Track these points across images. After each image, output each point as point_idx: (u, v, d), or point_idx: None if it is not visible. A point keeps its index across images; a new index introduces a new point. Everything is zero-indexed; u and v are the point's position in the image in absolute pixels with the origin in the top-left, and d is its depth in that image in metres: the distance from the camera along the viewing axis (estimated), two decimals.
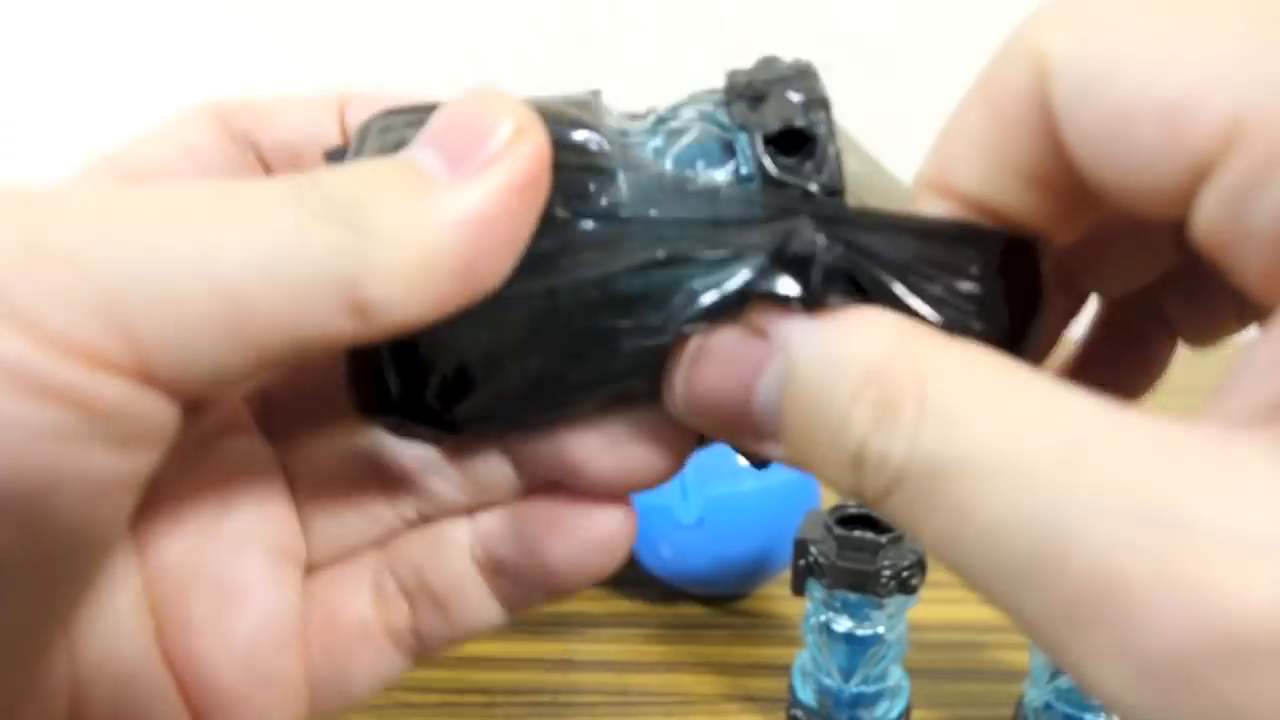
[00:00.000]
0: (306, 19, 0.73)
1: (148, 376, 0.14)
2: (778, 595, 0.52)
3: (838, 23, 0.78)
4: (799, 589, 0.40)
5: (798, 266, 0.17)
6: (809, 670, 0.41)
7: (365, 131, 0.18)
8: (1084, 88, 0.14)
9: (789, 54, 0.20)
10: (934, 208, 0.17)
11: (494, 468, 0.20)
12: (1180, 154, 0.14)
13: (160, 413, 0.14)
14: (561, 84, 0.21)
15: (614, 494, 0.19)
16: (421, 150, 0.16)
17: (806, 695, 0.41)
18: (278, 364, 0.15)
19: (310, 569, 0.20)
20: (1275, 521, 0.12)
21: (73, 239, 0.13)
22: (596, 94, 0.20)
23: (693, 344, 0.17)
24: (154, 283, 0.13)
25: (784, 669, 0.44)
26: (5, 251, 0.13)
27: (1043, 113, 0.15)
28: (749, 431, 0.17)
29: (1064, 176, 0.16)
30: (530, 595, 0.20)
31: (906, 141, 0.31)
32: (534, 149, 0.16)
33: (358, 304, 0.15)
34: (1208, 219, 0.14)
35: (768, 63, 0.20)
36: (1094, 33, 0.14)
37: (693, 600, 0.51)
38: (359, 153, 0.18)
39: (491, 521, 0.20)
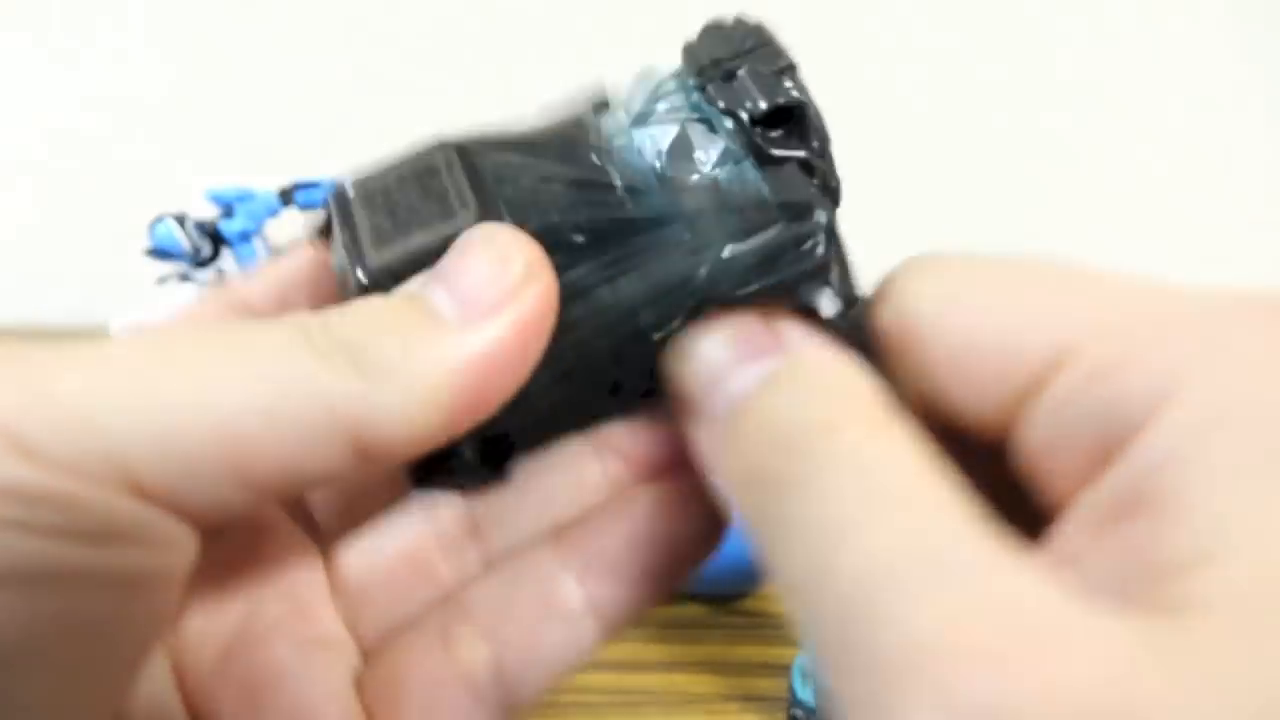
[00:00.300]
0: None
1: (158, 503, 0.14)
2: (778, 595, 0.52)
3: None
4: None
5: (823, 279, 0.18)
6: (809, 670, 0.41)
7: (345, 204, 0.18)
8: (932, 325, 0.16)
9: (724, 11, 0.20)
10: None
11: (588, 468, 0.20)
12: (1012, 375, 0.15)
13: (173, 529, 0.15)
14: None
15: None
16: (433, 288, 0.16)
17: (806, 695, 0.41)
18: (280, 498, 0.15)
19: (377, 649, 0.19)
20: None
21: (75, 383, 0.14)
22: (601, 104, 0.20)
23: (710, 316, 0.17)
24: (152, 425, 0.14)
25: (784, 669, 0.44)
26: (15, 393, 0.14)
27: (896, 341, 0.17)
28: (691, 406, 0.17)
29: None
30: (631, 596, 0.19)
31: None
32: (543, 290, 0.16)
33: (361, 447, 0.15)
34: (1030, 432, 0.15)
35: (720, 32, 0.20)
36: (951, 283, 0.16)
37: (693, 600, 0.51)
38: (346, 227, 0.18)
39: (579, 532, 0.19)
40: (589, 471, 0.20)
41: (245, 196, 0.54)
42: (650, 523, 0.19)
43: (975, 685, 0.11)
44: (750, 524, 0.15)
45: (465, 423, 0.16)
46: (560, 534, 0.19)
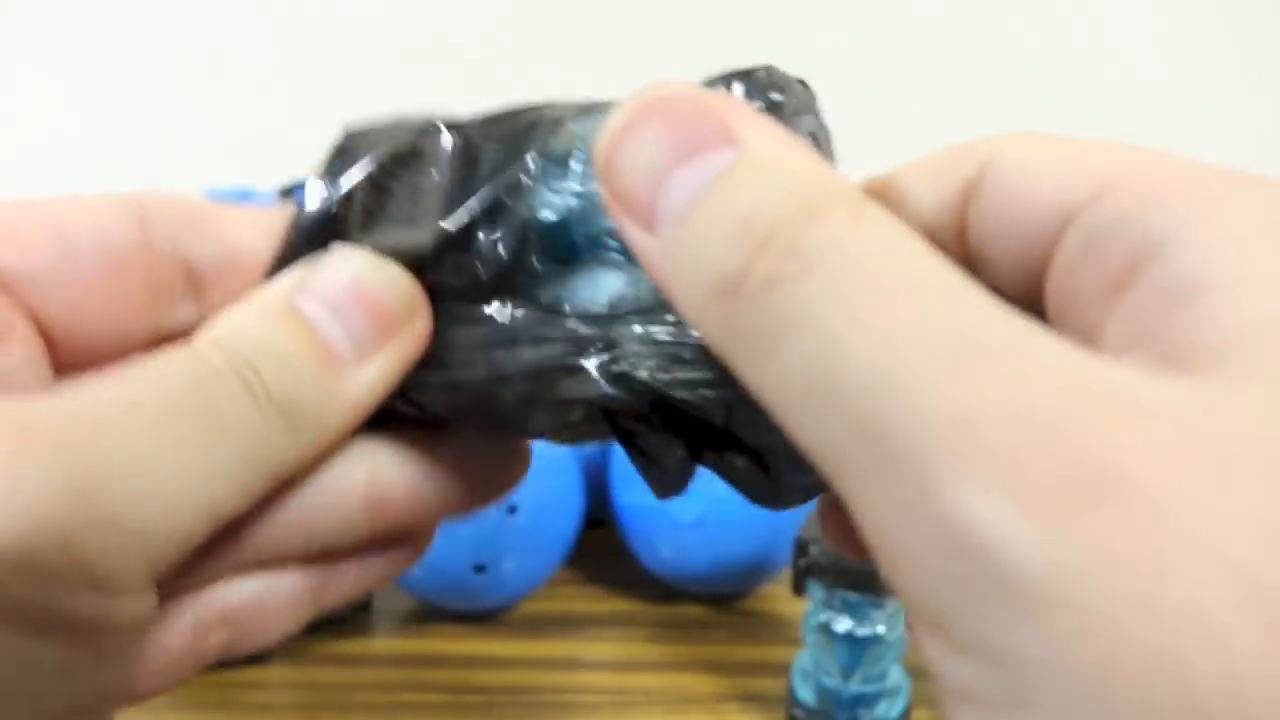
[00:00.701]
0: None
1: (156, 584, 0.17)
2: (778, 595, 0.52)
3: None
4: (799, 589, 0.40)
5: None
6: (809, 670, 0.41)
7: (348, 152, 0.19)
8: (1009, 170, 0.16)
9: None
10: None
11: (349, 522, 0.20)
12: (1056, 201, 0.15)
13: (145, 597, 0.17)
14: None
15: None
16: (325, 316, 0.18)
17: (806, 695, 0.41)
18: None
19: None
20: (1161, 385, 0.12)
21: (117, 498, 0.15)
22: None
23: (651, 95, 0.15)
24: (169, 526, 0.16)
25: (784, 669, 0.44)
26: (69, 503, 0.15)
27: (972, 184, 0.17)
28: (638, 210, 0.15)
29: (951, 247, 0.17)
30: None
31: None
32: (422, 326, 0.18)
33: (287, 477, 0.18)
34: (1065, 254, 0.15)
35: (748, 79, 0.19)
36: (1039, 142, 0.16)
37: (693, 600, 0.51)
38: (342, 171, 0.19)
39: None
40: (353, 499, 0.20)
41: (245, 196, 0.54)
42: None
43: (1040, 453, 0.11)
44: (724, 339, 0.14)
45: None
46: (319, 558, 0.20)
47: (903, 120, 0.75)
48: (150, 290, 0.18)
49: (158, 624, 0.19)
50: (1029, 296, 0.16)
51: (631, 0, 0.74)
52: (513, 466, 0.21)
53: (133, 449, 0.16)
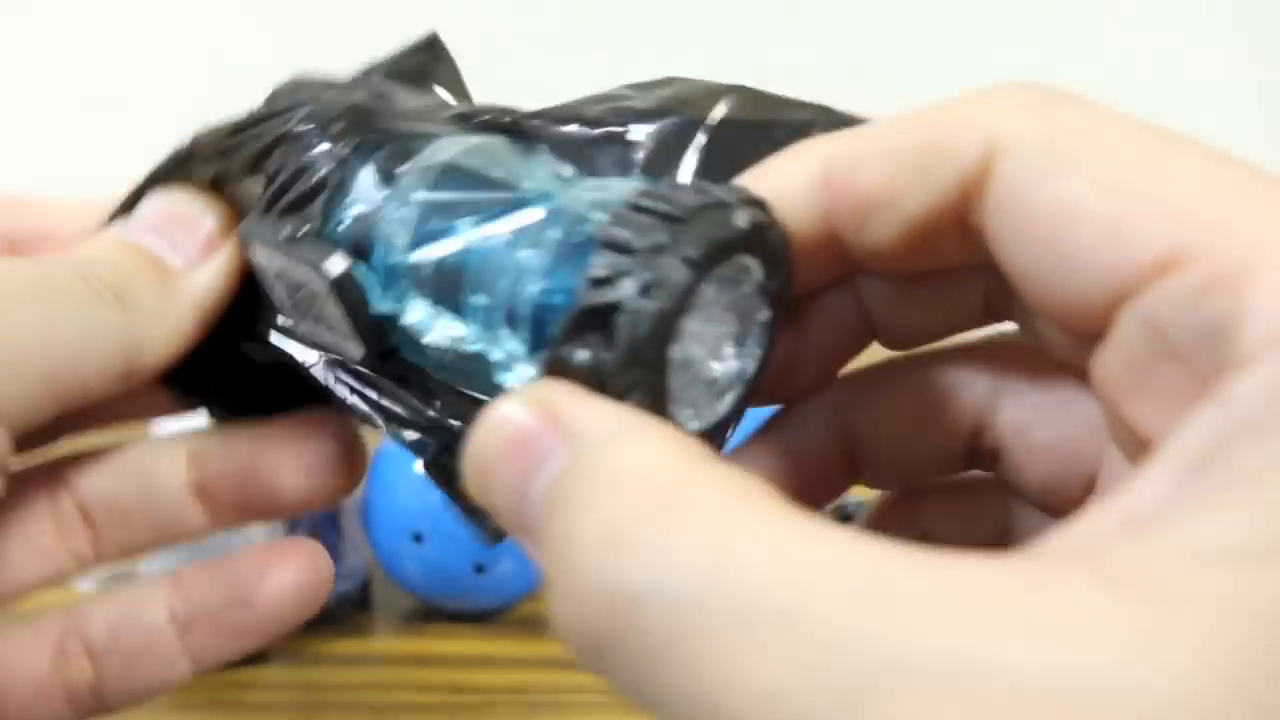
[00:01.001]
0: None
1: None
2: None
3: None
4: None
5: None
6: None
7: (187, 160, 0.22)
8: (1034, 176, 0.14)
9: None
10: (794, 167, 0.17)
11: (181, 506, 0.23)
12: (1112, 269, 0.14)
13: None
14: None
15: (302, 509, 0.22)
16: (148, 237, 0.21)
17: None
18: (73, 406, 0.20)
19: None
20: (1089, 661, 0.10)
21: None
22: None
23: (485, 418, 0.16)
24: (12, 374, 0.19)
25: None
26: None
27: (976, 183, 0.15)
28: (523, 530, 0.15)
29: (952, 240, 0.16)
30: (225, 647, 0.22)
31: None
32: (230, 250, 0.21)
33: (129, 366, 0.21)
34: (1121, 341, 0.14)
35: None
36: (1055, 128, 0.15)
37: None
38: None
39: (193, 577, 0.23)
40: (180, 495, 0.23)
41: None
42: (253, 585, 0.22)
43: None
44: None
45: (192, 336, 0.21)
46: (178, 579, 0.23)
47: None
48: None
49: (20, 639, 0.22)
50: (1073, 329, 0.15)
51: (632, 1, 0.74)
52: (350, 464, 0.23)
53: None
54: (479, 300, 0.19)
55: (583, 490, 0.14)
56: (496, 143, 0.21)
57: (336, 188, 0.20)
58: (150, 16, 0.76)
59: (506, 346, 0.19)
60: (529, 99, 0.22)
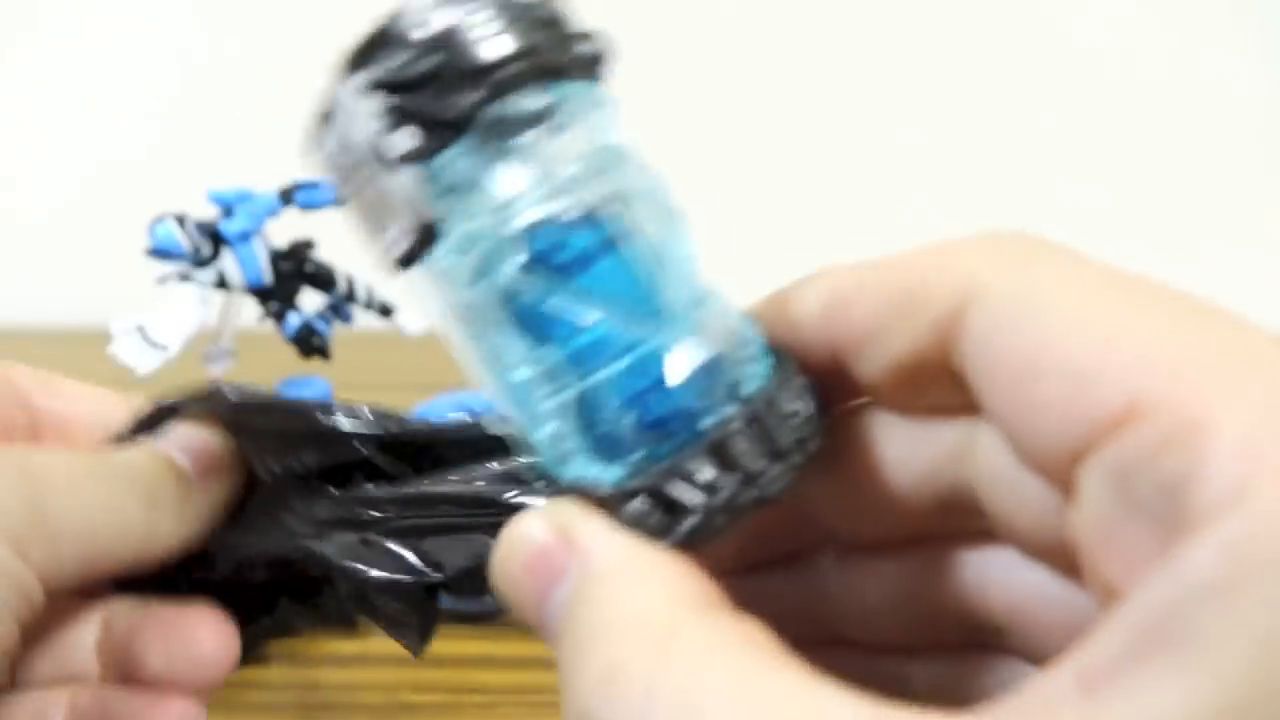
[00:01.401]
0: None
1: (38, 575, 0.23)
2: None
3: None
4: None
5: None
6: None
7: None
8: (1003, 324, 0.15)
9: None
10: (808, 294, 0.19)
11: (79, 652, 0.26)
12: (1075, 419, 0.14)
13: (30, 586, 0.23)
14: None
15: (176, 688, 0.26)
16: (178, 453, 0.26)
17: None
18: (77, 583, 0.24)
19: None
20: None
21: (30, 501, 0.23)
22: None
23: (510, 529, 0.18)
24: (47, 538, 0.23)
25: None
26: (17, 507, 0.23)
27: (950, 328, 0.16)
28: (537, 628, 0.17)
29: (944, 381, 0.17)
30: None
31: None
32: (237, 475, 0.27)
33: (146, 554, 0.25)
34: (1087, 491, 0.14)
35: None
36: (1026, 277, 0.15)
37: None
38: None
39: (85, 703, 0.26)
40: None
41: (245, 196, 0.54)
42: None
43: None
44: None
45: (197, 541, 0.26)
46: (72, 706, 0.26)
47: (905, 116, 0.75)
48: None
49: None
50: (1048, 475, 0.16)
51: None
52: (218, 658, 0.27)
53: (67, 482, 0.24)
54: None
55: (585, 626, 0.16)
56: None
57: (451, 132, 0.17)
58: (121, 17, 0.76)
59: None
60: None
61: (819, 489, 0.20)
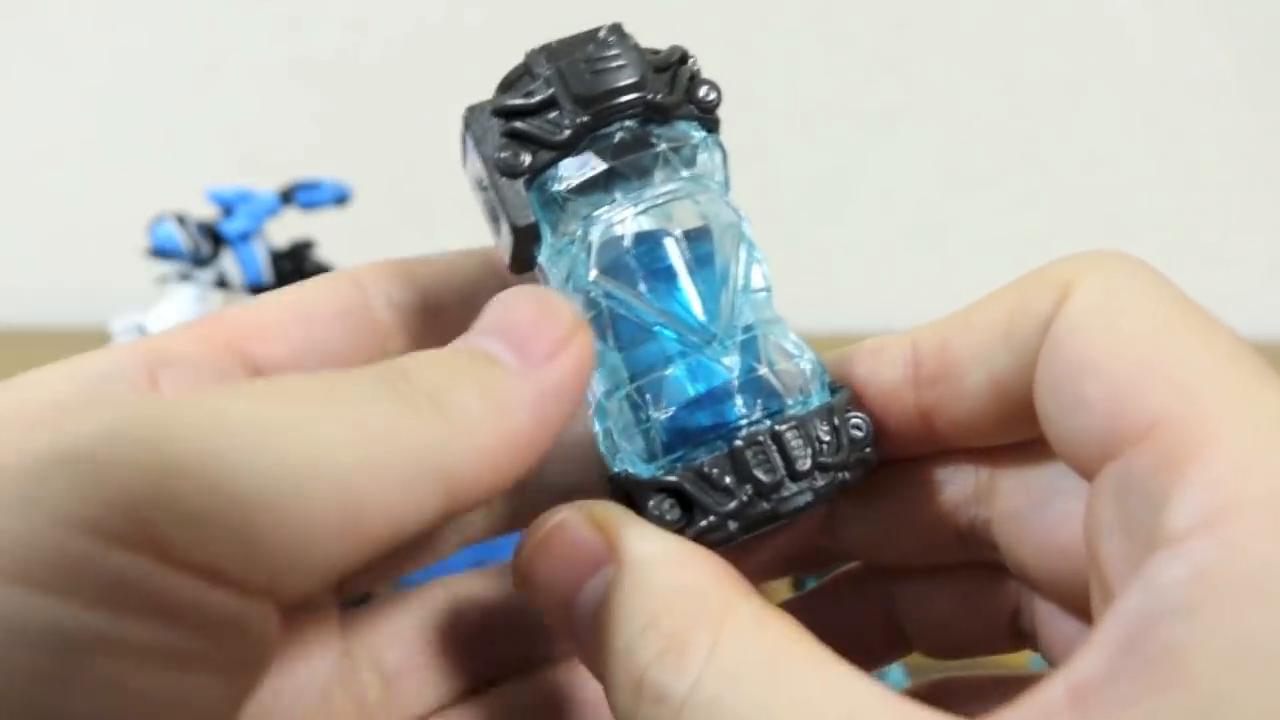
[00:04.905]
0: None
1: (265, 589, 0.14)
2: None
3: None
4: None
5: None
6: None
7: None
8: (1075, 322, 0.16)
9: None
10: (892, 352, 0.19)
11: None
12: (1109, 424, 0.15)
13: (265, 622, 0.14)
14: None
15: None
16: (485, 340, 0.17)
17: None
18: (377, 554, 0.15)
19: None
20: None
21: (202, 460, 0.13)
22: None
23: (543, 521, 0.18)
24: (279, 497, 0.14)
25: None
26: (142, 470, 0.13)
27: (1043, 334, 0.17)
28: (567, 628, 0.18)
29: (1019, 404, 0.18)
30: None
31: None
32: (586, 341, 0.17)
33: (450, 491, 0.15)
34: (1100, 497, 0.16)
35: None
36: (1108, 288, 0.16)
37: None
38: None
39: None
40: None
41: (245, 196, 0.54)
42: None
43: None
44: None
45: (528, 464, 0.16)
46: None
47: (907, 118, 0.75)
48: (372, 340, 0.21)
49: None
50: (1079, 469, 0.17)
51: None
52: None
53: (216, 416, 0.14)
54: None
55: (637, 606, 0.16)
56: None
57: (557, 153, 0.20)
58: (121, 17, 0.76)
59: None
60: None
61: (842, 519, 0.22)
